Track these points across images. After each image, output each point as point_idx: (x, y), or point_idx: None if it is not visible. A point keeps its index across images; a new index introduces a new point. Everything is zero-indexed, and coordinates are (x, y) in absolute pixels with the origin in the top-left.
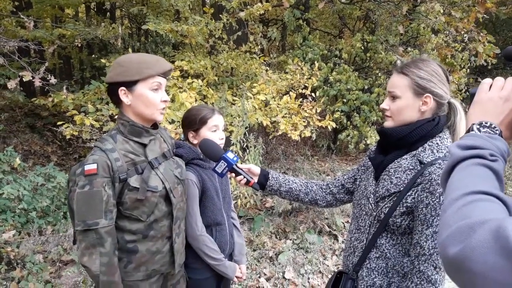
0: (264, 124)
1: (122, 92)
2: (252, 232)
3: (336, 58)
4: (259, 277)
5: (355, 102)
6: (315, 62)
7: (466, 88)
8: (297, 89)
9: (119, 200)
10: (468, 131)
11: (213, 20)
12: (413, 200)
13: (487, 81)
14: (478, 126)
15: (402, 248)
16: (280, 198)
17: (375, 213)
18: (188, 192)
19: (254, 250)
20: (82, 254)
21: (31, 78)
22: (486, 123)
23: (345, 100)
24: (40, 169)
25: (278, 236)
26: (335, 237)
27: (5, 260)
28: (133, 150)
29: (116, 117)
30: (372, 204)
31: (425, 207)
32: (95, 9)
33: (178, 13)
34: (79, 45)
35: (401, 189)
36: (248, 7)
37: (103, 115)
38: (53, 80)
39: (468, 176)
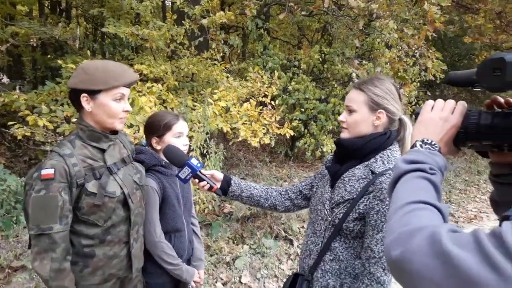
0: (225, 130)
1: (84, 99)
2: (210, 237)
3: (295, 68)
4: (216, 281)
5: (312, 111)
6: (275, 71)
7: (416, 100)
8: (257, 97)
9: (76, 205)
10: (412, 147)
11: (175, 26)
12: (365, 207)
13: (429, 102)
14: (420, 143)
15: (354, 251)
16: (241, 203)
17: (330, 218)
18: (148, 198)
19: (211, 255)
20: (34, 259)
21: None
22: (427, 140)
23: (303, 109)
24: None
25: (235, 241)
26: (291, 242)
27: None
28: (92, 156)
29: (72, 119)
30: (328, 210)
31: (376, 214)
32: (49, 8)
33: (138, 16)
34: (35, 44)
35: (354, 196)
36: (211, 14)
37: (57, 116)
38: (5, 80)
39: (410, 187)
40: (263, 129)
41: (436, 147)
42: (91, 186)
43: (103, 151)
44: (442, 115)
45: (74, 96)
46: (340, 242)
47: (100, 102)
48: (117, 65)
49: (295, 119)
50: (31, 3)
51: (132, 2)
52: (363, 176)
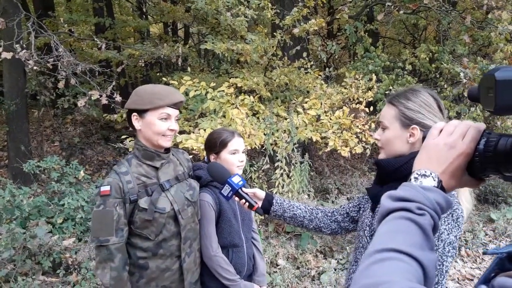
0: (314, 140)
1: (134, 117)
2: (297, 249)
3: (399, 69)
4: None
5: None
6: (376, 74)
7: None
8: (351, 104)
9: (131, 219)
10: (409, 180)
11: (268, 38)
12: None
13: (437, 125)
14: (415, 175)
15: None
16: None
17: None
18: (204, 213)
19: (297, 268)
20: (96, 267)
21: (98, 97)
22: (425, 171)
23: None
24: (100, 180)
25: (323, 254)
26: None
27: (64, 265)
28: (146, 173)
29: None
30: (368, 237)
31: None
32: (172, 29)
33: (235, 32)
34: (142, 64)
35: None
36: (302, 23)
37: None
38: (118, 98)
39: (389, 230)
40: (355, 138)
41: (434, 180)
42: (143, 202)
43: (156, 168)
44: (448, 141)
45: (128, 116)
46: None
47: (147, 120)
48: (164, 88)
49: None
50: (145, 27)
51: (228, 19)
52: None
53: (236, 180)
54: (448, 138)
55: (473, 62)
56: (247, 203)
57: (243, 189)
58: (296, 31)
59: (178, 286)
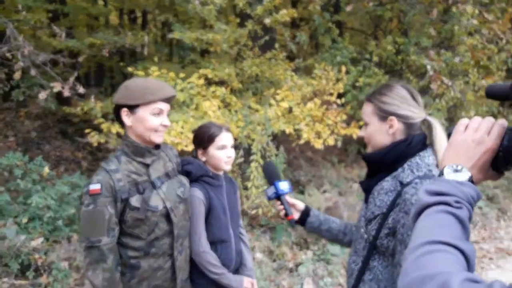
0: (287, 132)
1: (124, 113)
2: (273, 242)
3: (366, 61)
4: None
5: None
6: (344, 66)
7: None
8: (322, 96)
9: (122, 218)
10: (440, 174)
11: (239, 28)
12: (393, 221)
13: (463, 121)
14: (448, 170)
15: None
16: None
17: (366, 236)
18: (193, 209)
19: (274, 261)
20: (87, 269)
21: (61, 89)
22: (456, 167)
23: None
24: (66, 178)
25: (299, 247)
26: None
27: (33, 267)
28: (136, 170)
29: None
30: (363, 227)
31: (402, 227)
32: (128, 16)
33: (204, 21)
34: (107, 54)
35: (384, 210)
36: (274, 13)
37: None
38: (81, 90)
39: (431, 224)
40: (328, 129)
41: (466, 175)
42: (135, 200)
43: (147, 166)
44: (475, 137)
45: (117, 111)
46: (379, 261)
47: (139, 116)
48: (156, 82)
49: None
50: (106, 13)
51: (196, 7)
52: (392, 188)
53: (282, 186)
54: (475, 135)
55: (437, 55)
56: (284, 210)
57: (286, 196)
58: (267, 21)
59: (170, 284)
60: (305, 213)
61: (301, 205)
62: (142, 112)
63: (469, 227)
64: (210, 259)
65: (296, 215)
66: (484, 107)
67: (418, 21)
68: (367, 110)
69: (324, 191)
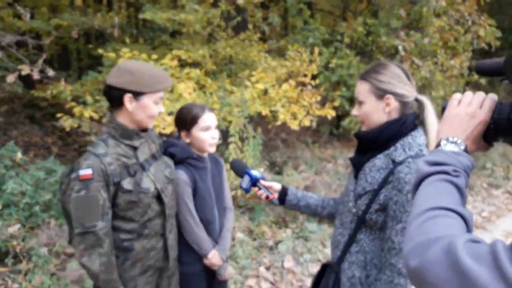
0: (263, 114)
1: (127, 98)
2: (252, 222)
3: (338, 43)
4: (259, 266)
5: None
6: (316, 47)
7: (469, 72)
8: (297, 77)
9: (114, 202)
10: (437, 146)
11: (212, 8)
12: (385, 197)
13: (456, 96)
14: (445, 142)
15: (380, 243)
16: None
17: (354, 210)
18: (182, 190)
19: (254, 240)
20: (81, 255)
21: (29, 71)
22: (452, 139)
23: (345, 89)
24: (41, 163)
25: (278, 225)
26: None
27: (12, 254)
28: (125, 153)
29: None
30: (352, 202)
31: (394, 204)
32: None
33: (175, 0)
34: (75, 36)
35: (375, 187)
36: None
37: (102, 106)
38: (51, 73)
39: (432, 191)
40: (303, 111)
41: (461, 146)
42: (126, 183)
43: (135, 148)
44: (468, 111)
45: (117, 94)
46: (366, 234)
47: (143, 103)
48: (160, 71)
49: (339, 97)
50: None
51: None
52: (383, 166)
53: (254, 172)
54: (468, 108)
55: (407, 36)
56: (264, 194)
57: (261, 181)
58: (240, 1)
59: (162, 263)
60: (283, 193)
61: (277, 186)
62: (147, 100)
63: (466, 194)
64: (202, 237)
65: (275, 195)
66: (452, 87)
67: (388, 2)
68: (363, 89)
69: (301, 171)
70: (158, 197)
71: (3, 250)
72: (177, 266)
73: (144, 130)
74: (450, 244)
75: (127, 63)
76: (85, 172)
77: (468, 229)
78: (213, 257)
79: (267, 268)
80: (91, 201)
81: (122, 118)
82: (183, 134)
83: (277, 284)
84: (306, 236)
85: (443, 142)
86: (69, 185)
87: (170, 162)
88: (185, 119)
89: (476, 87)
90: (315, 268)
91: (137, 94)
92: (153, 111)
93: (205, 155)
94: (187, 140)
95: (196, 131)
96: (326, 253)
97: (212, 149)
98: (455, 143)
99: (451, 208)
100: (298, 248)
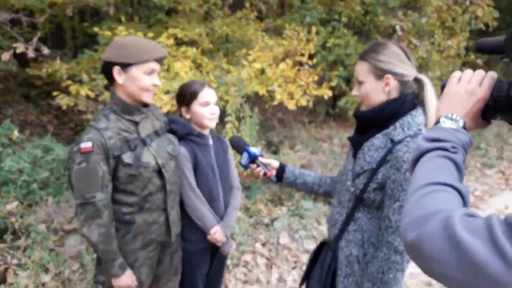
0: (260, 93)
1: (116, 71)
2: (249, 199)
3: (335, 22)
4: (255, 242)
5: (354, 67)
6: (313, 27)
7: (466, 52)
8: (294, 56)
9: (115, 175)
10: (436, 122)
11: None
12: (383, 176)
13: (456, 74)
14: (444, 119)
15: (378, 221)
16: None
17: (352, 189)
18: (182, 165)
19: (251, 217)
20: (82, 225)
21: (24, 50)
22: (451, 116)
23: (342, 68)
24: (38, 141)
25: (274, 203)
26: (330, 204)
27: (10, 230)
28: (126, 128)
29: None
30: (350, 181)
31: (392, 183)
32: None
33: None
34: (71, 14)
35: (374, 166)
36: None
37: (98, 84)
38: (46, 51)
39: (430, 167)
40: (300, 90)
41: (460, 123)
42: (127, 157)
43: (136, 123)
44: (468, 88)
45: (108, 69)
46: (364, 213)
47: (132, 75)
48: (148, 41)
49: (336, 77)
50: None
51: None
52: (382, 145)
53: (253, 149)
54: (468, 86)
55: (405, 15)
56: (262, 171)
57: (260, 158)
58: None
59: (164, 238)
60: (281, 170)
61: (275, 163)
62: (135, 71)
63: (463, 170)
64: (205, 211)
65: (273, 172)
66: (449, 67)
67: None
68: (362, 69)
69: (297, 151)
70: (159, 172)
71: (2, 226)
72: (180, 243)
73: (146, 105)
74: (447, 217)
75: (120, 38)
76: (86, 145)
77: (465, 204)
78: (216, 233)
79: (263, 244)
80: (91, 173)
81: (120, 93)
82: (183, 110)
83: (273, 260)
84: (301, 214)
85: (442, 119)
86: (73, 159)
87: (174, 139)
88: (185, 94)
89: (472, 67)
90: (310, 245)
91: (124, 66)
92: (143, 82)
93: (207, 132)
94: (187, 116)
95: (196, 106)
96: (321, 230)
97: (212, 125)
98: (454, 120)
99: (449, 183)
100: (294, 225)
